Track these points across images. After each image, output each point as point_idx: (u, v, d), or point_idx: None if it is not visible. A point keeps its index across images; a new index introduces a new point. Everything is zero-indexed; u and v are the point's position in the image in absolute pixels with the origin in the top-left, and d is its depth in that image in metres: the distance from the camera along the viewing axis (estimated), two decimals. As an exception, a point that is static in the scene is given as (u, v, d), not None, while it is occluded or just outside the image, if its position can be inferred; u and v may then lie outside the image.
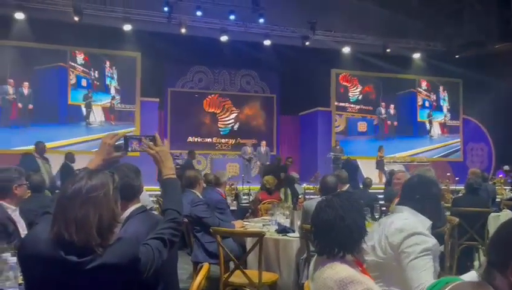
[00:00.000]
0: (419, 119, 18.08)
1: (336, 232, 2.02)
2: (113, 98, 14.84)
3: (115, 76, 14.85)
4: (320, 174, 9.80)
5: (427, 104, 18.21)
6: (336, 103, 16.99)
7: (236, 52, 14.57)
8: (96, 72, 14.64)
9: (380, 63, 16.01)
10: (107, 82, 14.82)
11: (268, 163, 13.79)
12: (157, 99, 15.03)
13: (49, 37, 13.49)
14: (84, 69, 14.54)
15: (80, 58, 14.52)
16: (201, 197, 5.48)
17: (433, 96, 18.32)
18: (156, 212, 5.12)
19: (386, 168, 14.45)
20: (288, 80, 16.26)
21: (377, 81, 17.38)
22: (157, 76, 15.26)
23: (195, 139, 16.44)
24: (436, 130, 18.27)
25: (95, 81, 14.62)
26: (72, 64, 14.46)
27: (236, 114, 16.97)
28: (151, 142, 2.19)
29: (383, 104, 17.45)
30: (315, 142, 16.25)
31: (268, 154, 15.03)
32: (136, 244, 1.82)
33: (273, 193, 8.00)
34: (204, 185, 6.07)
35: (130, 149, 2.20)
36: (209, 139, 16.62)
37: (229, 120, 16.88)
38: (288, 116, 17.39)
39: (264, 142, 15.14)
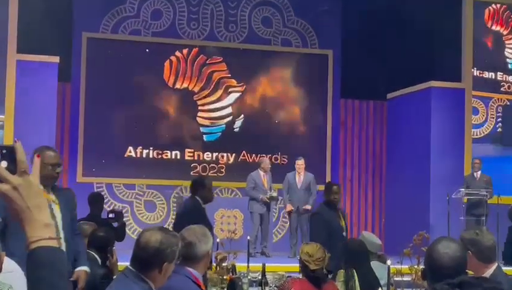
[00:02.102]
0: None
1: None
2: None
3: None
4: (429, 237, 6.23)
5: None
6: (474, 72, 10.64)
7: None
8: None
9: None
10: None
11: None
12: (57, 58, 9.56)
13: None
14: None
15: None
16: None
17: None
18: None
19: None
20: (362, 20, 10.61)
21: None
22: (56, 5, 9.82)
23: (143, 153, 10.20)
24: None
25: None
26: None
27: (239, 94, 10.80)
28: (3, 162, 1.29)
29: None
30: (424, 159, 10.31)
31: (314, 186, 8.97)
32: None
33: (324, 283, 5.05)
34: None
35: None
36: (174, 154, 10.33)
37: (222, 108, 10.76)
38: (361, 100, 11.50)
39: (301, 161, 9.22)
